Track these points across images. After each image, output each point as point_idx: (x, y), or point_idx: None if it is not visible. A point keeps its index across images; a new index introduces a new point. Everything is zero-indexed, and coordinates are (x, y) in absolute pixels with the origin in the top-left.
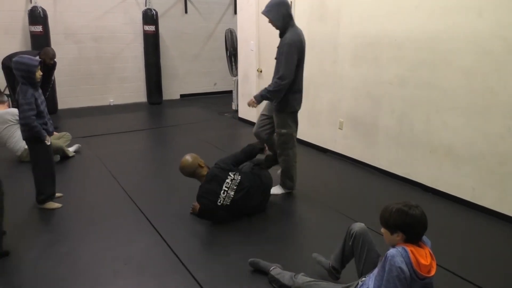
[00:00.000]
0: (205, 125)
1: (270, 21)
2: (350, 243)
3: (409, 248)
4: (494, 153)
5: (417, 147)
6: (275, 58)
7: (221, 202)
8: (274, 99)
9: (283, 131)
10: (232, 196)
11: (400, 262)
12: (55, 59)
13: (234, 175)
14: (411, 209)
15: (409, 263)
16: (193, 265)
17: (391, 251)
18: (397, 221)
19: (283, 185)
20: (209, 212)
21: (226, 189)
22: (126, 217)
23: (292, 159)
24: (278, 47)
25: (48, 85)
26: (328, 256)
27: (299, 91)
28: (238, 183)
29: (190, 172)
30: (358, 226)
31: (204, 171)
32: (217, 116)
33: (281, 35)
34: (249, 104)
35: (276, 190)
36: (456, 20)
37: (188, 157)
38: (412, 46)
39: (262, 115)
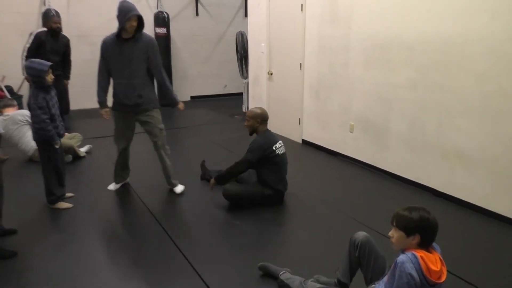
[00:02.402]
0: (215, 127)
1: (135, 23)
2: (356, 254)
3: (419, 254)
4: (508, 158)
5: (429, 151)
6: (137, 63)
7: (277, 148)
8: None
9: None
10: (283, 152)
11: (410, 268)
12: (61, 28)
13: (281, 143)
14: (429, 214)
15: (419, 269)
16: (202, 267)
17: (401, 258)
18: (418, 225)
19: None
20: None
21: (280, 143)
22: (135, 217)
23: None
24: (147, 49)
25: (68, 65)
26: (329, 268)
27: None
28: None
29: (266, 117)
30: (361, 235)
31: (264, 126)
32: (227, 118)
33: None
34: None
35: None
36: (469, 23)
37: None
38: (424, 49)
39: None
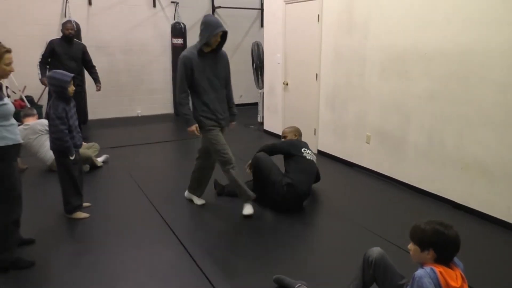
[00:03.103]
0: (231, 137)
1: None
2: (371, 272)
3: (438, 269)
4: None
5: (449, 163)
6: (221, 77)
7: (305, 151)
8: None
9: None
10: (312, 159)
11: (428, 283)
12: (71, 31)
13: (311, 153)
14: (447, 229)
15: (437, 285)
16: (217, 279)
17: (419, 272)
18: (431, 239)
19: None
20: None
21: (310, 152)
22: (151, 228)
23: None
24: (226, 64)
25: (93, 70)
26: (345, 280)
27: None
28: (315, 161)
29: (300, 132)
30: (376, 252)
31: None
32: (243, 128)
33: (219, 51)
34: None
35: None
36: (489, 33)
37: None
38: (443, 59)
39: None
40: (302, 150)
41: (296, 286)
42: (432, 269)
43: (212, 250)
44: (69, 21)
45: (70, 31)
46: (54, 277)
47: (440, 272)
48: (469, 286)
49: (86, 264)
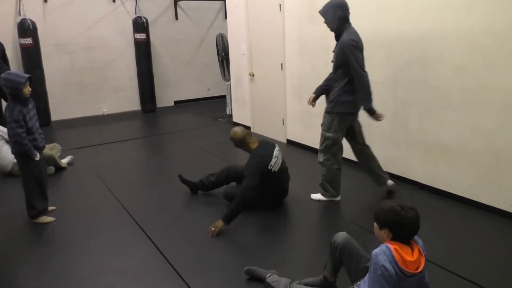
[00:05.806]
0: (200, 131)
1: (325, 22)
2: (337, 255)
3: (393, 246)
4: (490, 150)
5: (412, 145)
6: (332, 61)
7: (272, 166)
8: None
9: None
10: (280, 164)
11: (383, 260)
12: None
13: (278, 150)
14: (403, 210)
15: (393, 261)
16: (189, 274)
17: (375, 250)
18: (386, 219)
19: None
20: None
21: (276, 156)
22: (121, 228)
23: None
24: (335, 51)
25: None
26: (317, 268)
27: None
28: (282, 156)
29: (240, 138)
30: (340, 237)
31: (253, 142)
32: (212, 122)
33: (337, 38)
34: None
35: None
36: (446, 17)
37: (238, 128)
38: (403, 45)
39: None
40: (269, 166)
41: (267, 276)
42: (387, 246)
43: (183, 246)
44: None
45: None
46: (20, 285)
47: (395, 249)
48: (432, 261)
49: (53, 269)
